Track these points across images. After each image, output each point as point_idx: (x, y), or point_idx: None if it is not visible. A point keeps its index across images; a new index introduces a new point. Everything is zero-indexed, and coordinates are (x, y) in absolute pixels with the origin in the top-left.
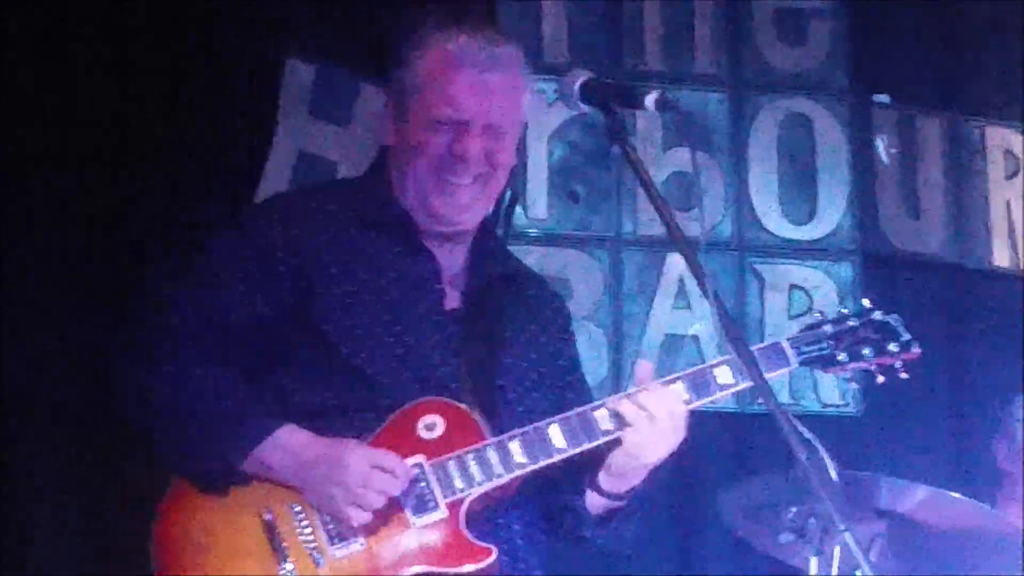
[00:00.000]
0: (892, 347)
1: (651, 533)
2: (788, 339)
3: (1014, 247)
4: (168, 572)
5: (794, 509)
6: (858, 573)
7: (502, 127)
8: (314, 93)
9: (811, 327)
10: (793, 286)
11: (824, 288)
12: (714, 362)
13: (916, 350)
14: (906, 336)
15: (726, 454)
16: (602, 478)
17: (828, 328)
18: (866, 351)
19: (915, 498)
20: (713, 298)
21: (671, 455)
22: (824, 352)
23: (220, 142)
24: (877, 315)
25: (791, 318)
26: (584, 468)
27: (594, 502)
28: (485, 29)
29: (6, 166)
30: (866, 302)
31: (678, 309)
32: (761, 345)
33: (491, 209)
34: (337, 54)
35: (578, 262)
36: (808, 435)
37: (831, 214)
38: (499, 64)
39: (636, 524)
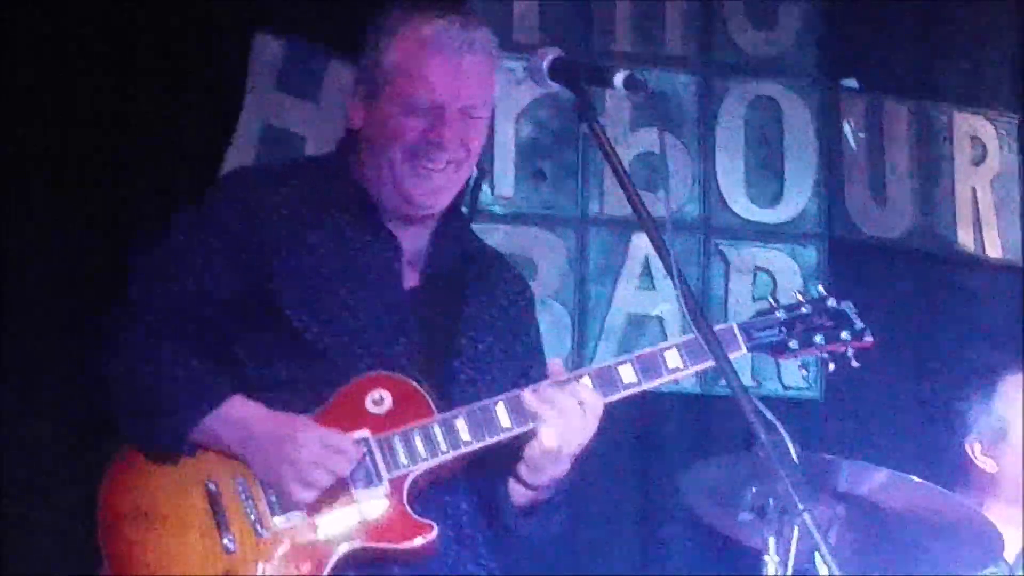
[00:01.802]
0: (844, 335)
1: (612, 514)
2: (739, 324)
3: (979, 233)
4: (112, 539)
5: (754, 489)
6: (817, 554)
7: (476, 110)
8: (283, 67)
9: (763, 313)
10: (758, 268)
11: (789, 271)
12: (619, 360)
13: (868, 339)
14: (859, 324)
15: (687, 435)
16: (521, 468)
17: (780, 314)
18: (817, 338)
19: (875, 481)
20: (678, 279)
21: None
22: (775, 339)
23: (187, 115)
24: (831, 302)
25: (755, 300)
26: (510, 456)
27: (517, 492)
28: (459, 13)
29: None
30: (820, 288)
31: (642, 289)
32: (721, 327)
33: (461, 189)
34: (307, 29)
35: (543, 241)
36: (769, 416)
37: (798, 198)
38: (473, 48)
39: (564, 515)
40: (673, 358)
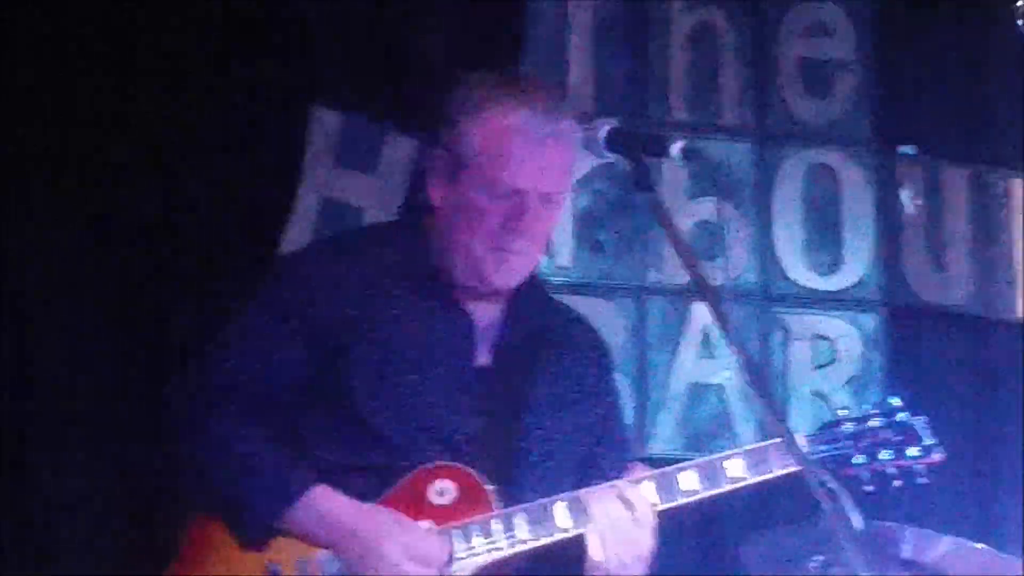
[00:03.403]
0: (912, 451)
1: None
2: (807, 435)
3: None
4: None
5: (819, 558)
6: None
7: (555, 198)
8: (340, 140)
9: (832, 424)
10: (818, 336)
11: (849, 338)
12: (681, 466)
13: (937, 456)
14: (930, 440)
15: (749, 505)
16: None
17: (848, 427)
18: (883, 454)
19: (939, 549)
20: (738, 347)
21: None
22: (840, 452)
23: (247, 187)
24: (901, 416)
25: (815, 368)
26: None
27: None
28: (545, 100)
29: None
30: (895, 401)
31: (703, 358)
32: (776, 440)
33: (533, 267)
34: (364, 102)
35: (603, 311)
36: (832, 485)
37: (856, 265)
38: (557, 137)
39: None
40: (735, 467)
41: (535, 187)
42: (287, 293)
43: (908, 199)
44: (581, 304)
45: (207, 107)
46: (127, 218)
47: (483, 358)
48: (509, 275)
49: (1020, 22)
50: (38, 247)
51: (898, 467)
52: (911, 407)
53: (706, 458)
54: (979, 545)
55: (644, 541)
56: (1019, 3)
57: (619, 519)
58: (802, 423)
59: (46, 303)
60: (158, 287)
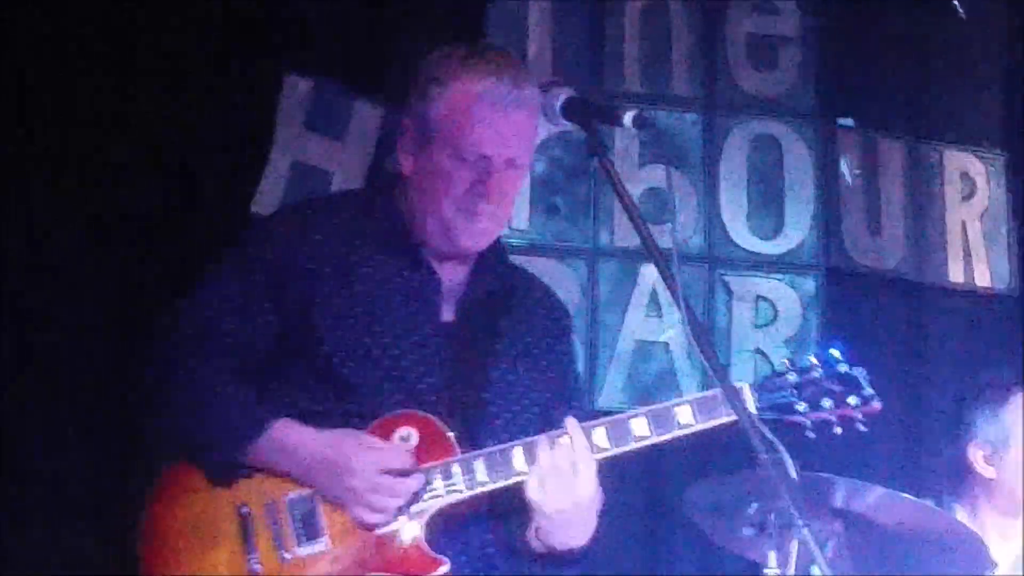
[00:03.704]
0: (852, 400)
1: (620, 531)
2: (751, 384)
3: (968, 264)
4: (151, 549)
5: (755, 506)
6: (814, 568)
7: (520, 162)
8: (310, 107)
9: (777, 374)
10: (759, 297)
11: (788, 300)
12: (632, 413)
13: (876, 404)
14: (868, 391)
15: (692, 454)
16: (531, 534)
17: (792, 377)
18: (826, 403)
19: (870, 498)
20: (684, 307)
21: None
22: (784, 400)
23: (219, 151)
24: (842, 367)
25: (756, 327)
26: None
27: (534, 540)
28: (509, 69)
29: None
30: (834, 352)
31: (650, 317)
32: (721, 387)
33: (499, 231)
34: (333, 69)
35: (556, 271)
36: (770, 436)
37: (796, 230)
38: (521, 105)
39: (581, 567)
40: (684, 414)
41: (500, 153)
42: (260, 251)
43: (847, 169)
44: (536, 265)
45: (185, 75)
46: (106, 188)
47: (448, 314)
48: (478, 237)
49: (955, 3)
50: (38, 248)
51: (839, 415)
52: (850, 359)
53: (657, 405)
54: (907, 495)
55: (582, 487)
56: None
57: (558, 464)
58: (743, 379)
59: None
60: (132, 241)
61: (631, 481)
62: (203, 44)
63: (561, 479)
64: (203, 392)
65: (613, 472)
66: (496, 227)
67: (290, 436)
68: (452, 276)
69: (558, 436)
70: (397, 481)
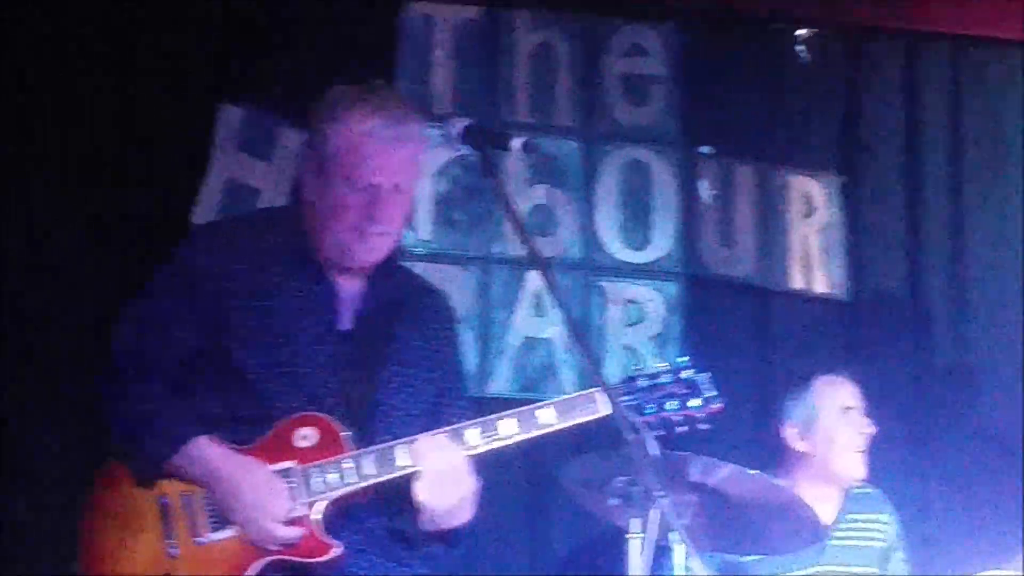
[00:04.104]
0: (694, 403)
1: (505, 504)
2: (604, 389)
3: (808, 273)
4: (87, 537)
5: (623, 479)
6: (672, 532)
7: (405, 187)
8: (243, 132)
9: (630, 379)
10: (629, 300)
11: (654, 303)
12: (502, 415)
13: (716, 406)
14: (710, 393)
15: (568, 436)
16: (420, 518)
17: (642, 382)
18: (670, 405)
19: (721, 473)
20: (563, 309)
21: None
22: (635, 402)
23: (163, 169)
24: (686, 373)
25: (626, 326)
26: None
27: (424, 520)
28: (394, 109)
29: None
30: (683, 360)
31: (535, 317)
32: (579, 393)
33: (393, 246)
34: (262, 100)
35: (455, 276)
36: (635, 421)
37: (661, 242)
38: (404, 139)
39: (467, 541)
40: (547, 415)
41: (387, 181)
42: (182, 272)
43: (705, 190)
44: (437, 270)
45: (133, 102)
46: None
47: (346, 323)
48: (371, 253)
49: (798, 48)
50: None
51: (683, 416)
52: (696, 365)
53: (522, 408)
54: (752, 471)
55: (461, 486)
56: (798, 33)
57: (439, 463)
58: (614, 370)
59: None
60: (85, 252)
61: (516, 459)
62: (153, 77)
63: (443, 483)
64: (131, 408)
65: (500, 451)
66: (387, 244)
67: (203, 453)
68: (350, 288)
69: (438, 434)
70: (272, 525)
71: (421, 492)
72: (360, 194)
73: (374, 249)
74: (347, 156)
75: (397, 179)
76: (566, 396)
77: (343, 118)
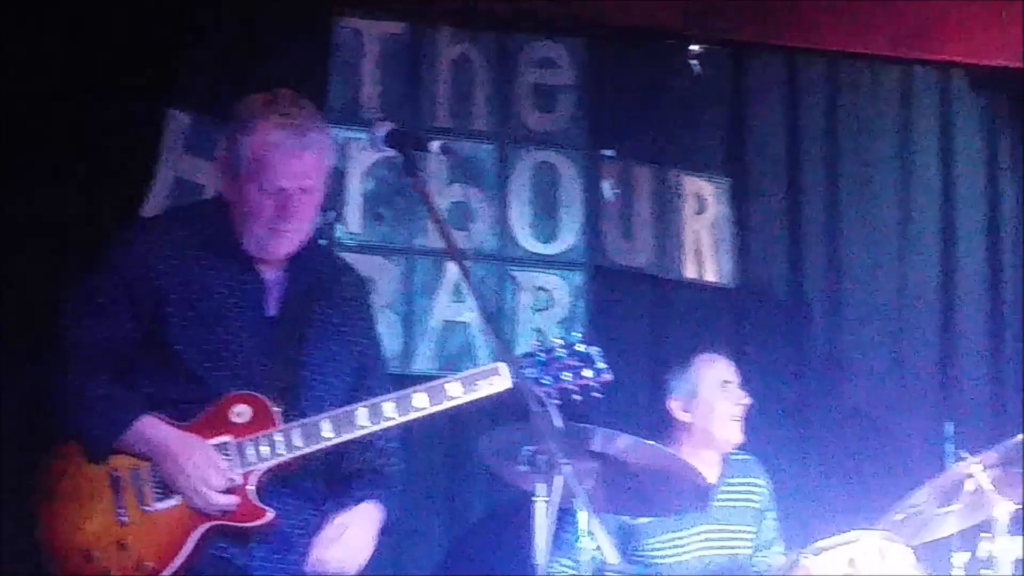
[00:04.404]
0: (587, 373)
1: (427, 472)
2: (507, 363)
3: (700, 264)
4: (45, 508)
5: (531, 448)
6: (575, 496)
7: (312, 188)
8: (189, 135)
9: (529, 354)
10: (538, 288)
11: (561, 290)
12: (415, 388)
13: (608, 376)
14: (601, 366)
15: (482, 410)
16: None
17: (540, 356)
18: (565, 376)
19: (620, 443)
20: (477, 295)
21: None
22: (533, 375)
23: (117, 168)
24: (580, 347)
25: (536, 311)
26: None
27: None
28: (298, 115)
29: None
30: (576, 335)
31: (454, 302)
32: (485, 367)
33: (306, 238)
34: (208, 104)
35: (382, 266)
36: (541, 396)
37: (568, 236)
38: (310, 147)
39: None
40: (455, 389)
41: (294, 184)
42: (121, 264)
43: (607, 189)
44: (366, 261)
45: (91, 110)
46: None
47: (272, 310)
48: (284, 247)
49: (691, 62)
50: None
51: (577, 385)
52: (588, 340)
53: (432, 383)
54: (649, 441)
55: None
56: (690, 49)
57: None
58: (525, 350)
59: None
60: (40, 244)
61: (439, 431)
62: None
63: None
64: (80, 392)
65: (425, 423)
66: (299, 238)
67: (148, 431)
68: (273, 276)
69: (361, 408)
70: (209, 492)
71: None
72: (271, 197)
73: (288, 244)
74: (257, 164)
75: (303, 183)
76: (471, 371)
77: (253, 129)
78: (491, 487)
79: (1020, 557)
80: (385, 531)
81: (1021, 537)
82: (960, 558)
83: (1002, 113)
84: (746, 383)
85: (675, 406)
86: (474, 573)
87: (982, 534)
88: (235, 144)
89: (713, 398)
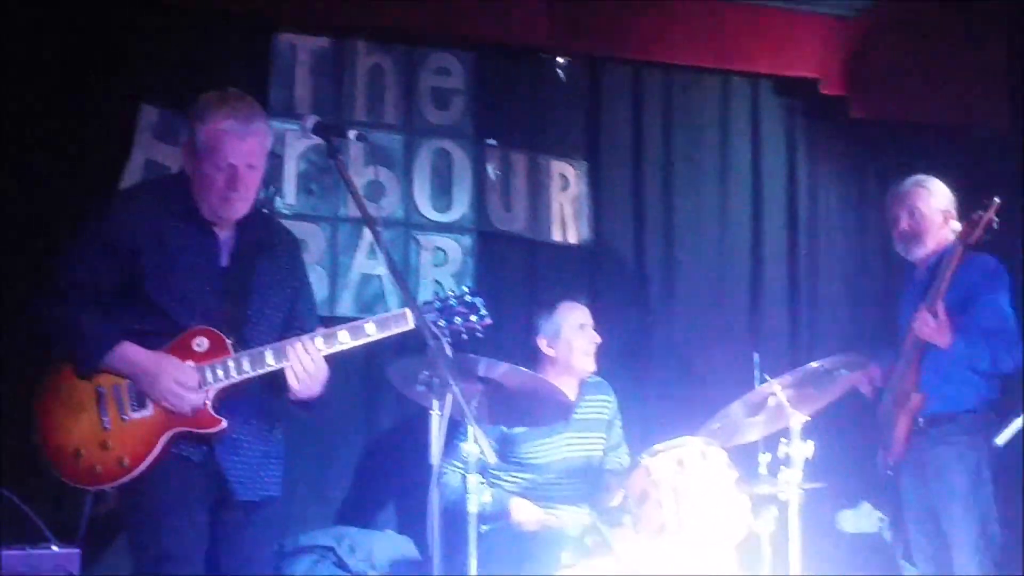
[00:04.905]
0: (473, 319)
1: (346, 396)
2: (409, 308)
3: (564, 230)
4: (41, 416)
5: (426, 373)
6: (463, 412)
7: (256, 166)
8: (158, 125)
9: (428, 303)
10: (437, 248)
11: (455, 250)
12: (340, 327)
13: (488, 321)
14: (484, 312)
15: (392, 344)
16: (288, 395)
17: (436, 304)
18: (456, 320)
19: (500, 370)
20: (387, 254)
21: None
22: (431, 319)
23: (98, 152)
24: (468, 297)
25: (435, 267)
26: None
27: (292, 394)
28: (244, 108)
29: None
30: (465, 288)
31: (369, 259)
32: (395, 312)
33: (253, 205)
34: (173, 101)
35: (312, 231)
36: (435, 331)
37: (460, 207)
38: (253, 131)
39: (321, 404)
40: (371, 328)
41: (241, 162)
42: (104, 223)
43: (491, 170)
44: (299, 226)
45: (80, 104)
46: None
47: (225, 261)
48: (234, 212)
49: (558, 70)
50: None
51: (465, 328)
52: (475, 292)
53: (353, 323)
54: (523, 368)
55: (319, 369)
56: (558, 60)
57: (303, 362)
58: (426, 298)
59: None
60: (40, 212)
61: (357, 361)
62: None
63: (305, 369)
64: (71, 322)
65: (346, 354)
66: (246, 206)
67: (127, 353)
68: (225, 235)
69: (297, 344)
70: (185, 392)
71: (291, 381)
72: (222, 172)
73: (236, 210)
74: (211, 146)
75: (249, 160)
76: (383, 315)
77: (207, 118)
78: (398, 404)
79: (809, 456)
80: (314, 439)
81: (811, 442)
82: (764, 458)
83: (799, 113)
84: (598, 324)
85: (542, 343)
86: (385, 471)
87: (781, 439)
88: (194, 131)
89: (572, 337)
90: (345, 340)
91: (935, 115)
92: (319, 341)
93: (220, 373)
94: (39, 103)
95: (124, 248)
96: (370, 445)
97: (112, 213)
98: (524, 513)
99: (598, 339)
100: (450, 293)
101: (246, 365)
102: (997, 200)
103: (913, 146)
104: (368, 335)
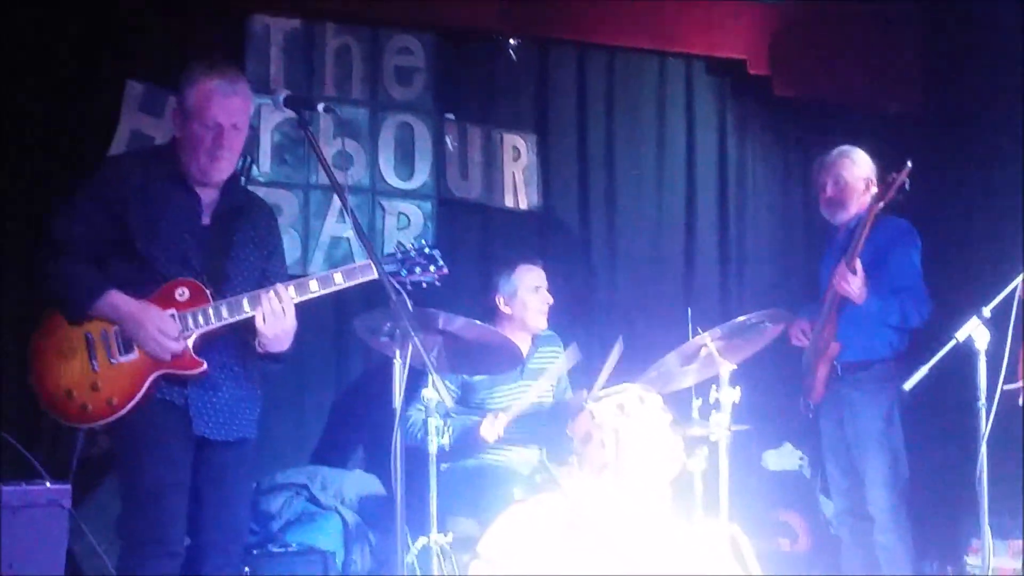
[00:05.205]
0: (431, 268)
1: (317, 348)
2: (374, 260)
3: (516, 196)
4: (35, 359)
5: (389, 324)
6: (424, 360)
7: (240, 126)
8: (143, 99)
9: (390, 254)
10: (400, 213)
11: (417, 215)
12: (309, 276)
13: (445, 271)
14: (441, 263)
15: (359, 297)
16: (257, 344)
17: (398, 255)
18: (417, 270)
19: (458, 323)
20: (354, 219)
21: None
22: (392, 269)
23: (88, 122)
24: (427, 250)
25: (399, 229)
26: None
27: (261, 345)
28: (229, 72)
29: None
30: (424, 242)
31: (338, 223)
32: (360, 263)
33: (235, 168)
34: (156, 76)
35: (285, 197)
36: (397, 287)
37: (421, 176)
38: (237, 92)
39: (288, 357)
40: (338, 277)
41: (227, 121)
42: (97, 183)
43: (449, 142)
44: (274, 193)
45: (72, 80)
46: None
47: (206, 220)
48: (220, 172)
49: (511, 51)
50: None
51: (423, 277)
52: (433, 246)
53: (322, 273)
54: (478, 321)
55: (288, 320)
56: (511, 41)
57: (273, 308)
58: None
59: None
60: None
61: (324, 313)
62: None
63: (275, 317)
64: (64, 271)
65: (313, 305)
66: (231, 164)
67: (115, 301)
68: (208, 197)
69: (271, 290)
70: (166, 340)
71: (260, 324)
72: (210, 131)
73: (222, 168)
74: (200, 105)
75: (234, 120)
76: (350, 265)
77: (196, 82)
78: (364, 353)
79: (737, 401)
80: (290, 387)
81: (738, 388)
82: (696, 403)
83: (728, 92)
84: (547, 282)
85: (499, 301)
86: (354, 415)
87: (712, 386)
88: (183, 95)
89: (528, 298)
90: (315, 288)
91: (853, 93)
92: (292, 289)
93: (200, 319)
94: (37, 79)
95: (114, 204)
96: (340, 391)
97: (103, 173)
98: (487, 430)
99: (551, 300)
100: (410, 246)
101: (224, 312)
102: (909, 164)
103: (832, 122)
104: (336, 283)
